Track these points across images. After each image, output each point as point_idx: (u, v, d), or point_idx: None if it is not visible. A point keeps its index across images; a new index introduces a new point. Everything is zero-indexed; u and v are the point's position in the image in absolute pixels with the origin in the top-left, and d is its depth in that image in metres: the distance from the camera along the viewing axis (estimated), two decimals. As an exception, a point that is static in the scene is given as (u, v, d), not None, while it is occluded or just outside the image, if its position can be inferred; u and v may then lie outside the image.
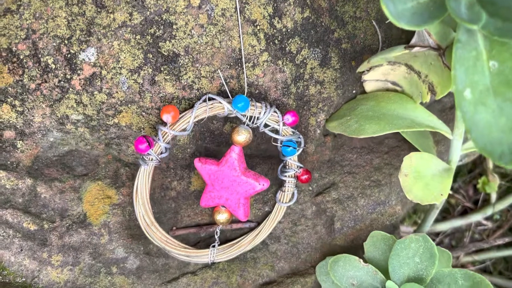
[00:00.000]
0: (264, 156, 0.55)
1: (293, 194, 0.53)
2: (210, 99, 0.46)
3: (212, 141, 0.53)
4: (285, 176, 0.52)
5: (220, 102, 0.46)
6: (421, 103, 0.52)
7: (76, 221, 0.50)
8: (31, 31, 0.42)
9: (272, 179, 0.56)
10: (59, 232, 0.50)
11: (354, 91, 0.56)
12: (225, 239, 0.55)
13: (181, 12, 0.44)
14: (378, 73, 0.53)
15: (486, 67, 0.38)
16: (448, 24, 0.43)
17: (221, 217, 0.51)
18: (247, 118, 0.48)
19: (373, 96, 0.55)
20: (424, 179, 0.49)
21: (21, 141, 0.48)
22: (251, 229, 0.55)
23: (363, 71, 0.53)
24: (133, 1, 0.43)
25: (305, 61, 0.50)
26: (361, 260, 0.50)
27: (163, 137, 0.45)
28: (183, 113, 0.46)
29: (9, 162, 0.49)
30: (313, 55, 0.50)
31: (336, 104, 0.54)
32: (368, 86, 0.55)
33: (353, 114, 0.54)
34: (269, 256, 0.56)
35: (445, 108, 0.62)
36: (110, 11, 0.43)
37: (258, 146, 0.55)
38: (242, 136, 0.47)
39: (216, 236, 0.52)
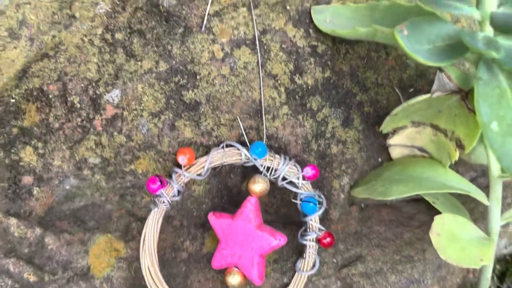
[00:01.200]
0: (284, 222, 0.52)
1: (315, 262, 0.48)
2: (228, 145, 0.46)
3: (229, 200, 0.51)
4: (306, 240, 0.48)
5: (238, 149, 0.45)
6: (451, 167, 0.49)
7: (79, 273, 0.47)
8: (63, 74, 0.45)
9: (292, 247, 0.52)
10: (58, 284, 0.46)
11: (380, 159, 0.54)
12: (238, 313, 0.49)
13: (205, 63, 0.46)
14: (403, 136, 0.51)
15: (512, 104, 0.36)
16: (468, 73, 0.43)
17: (233, 280, 0.46)
18: (264, 168, 0.46)
19: (399, 162, 0.53)
20: (460, 242, 0.44)
21: (38, 188, 0.48)
22: (268, 303, 0.49)
23: (388, 134, 0.52)
24: (161, 51, 0.46)
25: (326, 119, 0.49)
26: None
27: (177, 179, 0.44)
28: (200, 158, 0.45)
29: (22, 211, 0.48)
30: (334, 114, 0.50)
31: (360, 169, 0.52)
32: (394, 152, 0.53)
33: (379, 179, 0.52)
34: (287, 335, 0.49)
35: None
36: (138, 59, 0.46)
37: (277, 210, 0.52)
38: (258, 185, 0.45)
39: (227, 304, 0.47)
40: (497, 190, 0.46)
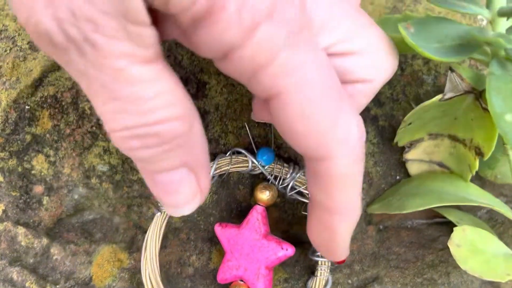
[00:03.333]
0: (295, 242, 0.49)
1: (327, 280, 0.45)
2: (236, 153, 0.45)
3: (238, 215, 0.49)
4: (317, 256, 0.45)
5: (245, 156, 0.44)
6: (472, 181, 0.47)
7: (80, 283, 0.45)
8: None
9: (304, 267, 0.49)
10: (59, 294, 0.45)
11: (397, 177, 0.52)
12: (245, 334, 0.46)
13: (214, 73, 0.47)
14: (421, 151, 0.49)
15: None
16: (480, 73, 0.41)
17: (239, 294, 0.44)
18: (272, 176, 0.45)
19: (417, 177, 0.50)
20: (484, 255, 0.40)
21: (47, 197, 0.48)
22: (277, 325, 0.46)
23: (404, 148, 0.50)
24: (171, 61, 0.47)
25: (338, 131, 0.48)
26: None
27: (181, 184, 0.43)
28: (206, 164, 0.45)
29: (31, 221, 0.48)
30: (347, 127, 0.49)
31: (376, 184, 0.50)
32: (412, 169, 0.51)
33: (395, 194, 0.49)
34: None
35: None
36: (150, 69, 0.47)
37: (289, 227, 0.50)
38: (266, 193, 0.44)
39: (231, 321, 0.44)
40: (524, 202, 0.43)
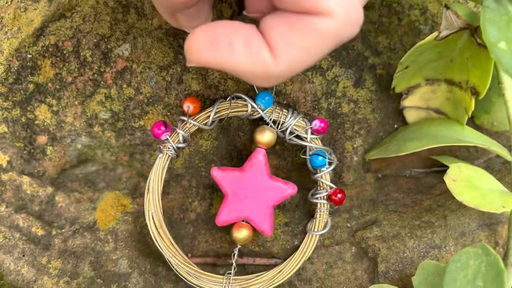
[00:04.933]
0: (296, 188, 0.50)
1: (326, 221, 0.46)
2: (236, 97, 0.46)
3: (239, 162, 0.50)
4: (316, 198, 0.46)
5: (244, 101, 0.45)
6: (471, 127, 0.47)
7: (85, 227, 0.46)
8: (78, 31, 0.47)
9: (304, 212, 0.50)
10: (64, 236, 0.46)
11: (395, 125, 0.53)
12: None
13: (213, 20, 0.47)
14: (418, 97, 0.50)
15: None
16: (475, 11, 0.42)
17: (241, 234, 0.45)
18: (271, 120, 0.45)
19: (414, 123, 0.51)
20: (480, 190, 0.41)
21: (51, 147, 0.49)
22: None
23: (401, 95, 0.50)
24: (170, 10, 0.47)
25: (337, 79, 0.49)
26: (409, 294, 0.40)
27: (182, 126, 0.44)
28: (206, 109, 0.45)
29: (36, 171, 0.49)
30: (345, 75, 0.49)
31: (374, 132, 0.51)
32: (409, 116, 0.51)
33: (393, 140, 0.50)
34: (297, 299, 0.46)
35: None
36: (149, 17, 0.47)
37: (288, 174, 0.51)
38: (266, 135, 0.45)
39: (233, 260, 0.45)
40: (520, 142, 0.44)
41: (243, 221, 0.45)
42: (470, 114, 0.45)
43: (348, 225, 0.49)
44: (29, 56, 0.47)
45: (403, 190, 0.51)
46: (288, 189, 0.44)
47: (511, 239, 0.45)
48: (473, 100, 0.44)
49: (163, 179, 0.44)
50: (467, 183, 0.41)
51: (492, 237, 0.49)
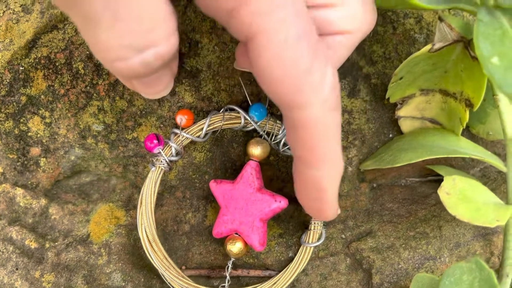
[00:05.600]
0: (289, 199, 0.50)
1: (321, 233, 0.46)
2: (229, 109, 0.45)
3: (233, 173, 0.50)
4: (311, 210, 0.46)
5: (238, 112, 0.45)
6: (467, 136, 0.47)
7: (78, 240, 0.46)
8: (70, 43, 0.47)
9: (299, 223, 0.50)
10: (57, 249, 0.46)
11: (390, 135, 0.52)
12: (241, 288, 0.47)
13: (206, 32, 0.47)
14: (413, 107, 0.50)
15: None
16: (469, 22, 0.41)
17: (234, 247, 0.44)
18: (264, 132, 0.45)
19: (409, 133, 0.50)
20: (474, 204, 0.41)
21: (44, 159, 0.49)
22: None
23: (396, 105, 0.50)
24: (163, 21, 0.47)
25: (331, 89, 0.48)
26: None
27: (175, 139, 0.44)
28: (199, 121, 0.45)
29: (29, 183, 0.49)
30: (340, 85, 0.49)
31: (369, 142, 0.50)
32: (404, 126, 0.51)
33: (388, 150, 0.50)
34: (292, 312, 0.46)
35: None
36: (142, 29, 0.47)
37: (283, 185, 0.51)
38: (258, 148, 0.44)
39: (226, 272, 0.45)
40: (515, 154, 0.43)
41: (236, 234, 0.45)
42: (464, 125, 0.45)
43: (343, 236, 0.49)
44: (21, 68, 0.46)
45: (398, 200, 0.51)
46: (275, 203, 0.43)
47: (506, 249, 0.45)
48: (468, 112, 0.44)
49: (156, 193, 0.44)
50: (461, 196, 0.41)
51: (488, 247, 0.49)
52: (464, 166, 0.55)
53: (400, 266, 0.47)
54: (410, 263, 0.47)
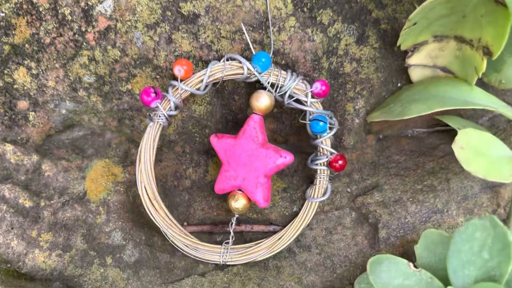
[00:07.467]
0: (293, 152, 0.48)
1: (326, 188, 0.45)
2: (230, 59, 0.42)
3: (234, 127, 0.47)
4: (316, 164, 0.44)
5: (240, 62, 0.42)
6: (477, 84, 0.45)
7: (74, 198, 0.45)
8: (54, -15, 0.42)
9: (303, 177, 0.48)
10: (54, 208, 0.44)
11: (399, 84, 0.50)
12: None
13: (204, -28, 0.43)
14: (424, 55, 0.47)
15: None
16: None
17: (237, 204, 0.43)
18: (268, 83, 0.42)
19: (420, 82, 0.48)
20: (488, 158, 0.39)
21: (33, 113, 0.46)
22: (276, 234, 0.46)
23: (407, 53, 0.47)
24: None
25: (338, 35, 0.45)
26: (411, 264, 0.39)
27: (173, 92, 0.41)
28: (198, 72, 0.42)
29: (19, 138, 0.46)
30: (347, 31, 0.46)
31: (377, 92, 0.48)
32: (415, 74, 0.48)
33: (397, 101, 0.47)
34: (296, 267, 0.45)
35: None
36: (132, -31, 0.42)
37: (286, 138, 0.49)
38: (262, 100, 0.42)
39: (230, 229, 0.44)
40: (530, 105, 0.41)
41: (238, 190, 0.43)
42: (480, 74, 0.43)
43: (348, 190, 0.48)
44: (1, 14, 0.42)
45: (405, 152, 0.50)
46: (280, 159, 0.41)
47: (514, 202, 0.44)
48: (485, 60, 0.41)
49: (155, 149, 0.41)
50: (475, 151, 0.39)
51: (494, 199, 0.48)
52: (473, 115, 0.53)
53: (407, 220, 0.46)
54: (417, 216, 0.46)
